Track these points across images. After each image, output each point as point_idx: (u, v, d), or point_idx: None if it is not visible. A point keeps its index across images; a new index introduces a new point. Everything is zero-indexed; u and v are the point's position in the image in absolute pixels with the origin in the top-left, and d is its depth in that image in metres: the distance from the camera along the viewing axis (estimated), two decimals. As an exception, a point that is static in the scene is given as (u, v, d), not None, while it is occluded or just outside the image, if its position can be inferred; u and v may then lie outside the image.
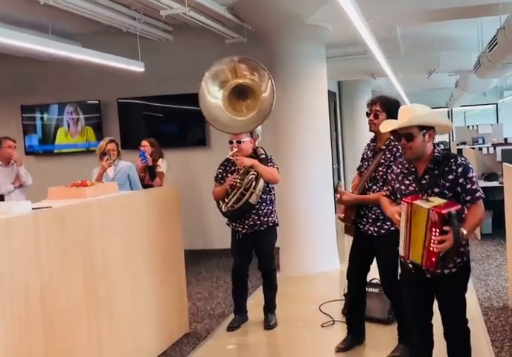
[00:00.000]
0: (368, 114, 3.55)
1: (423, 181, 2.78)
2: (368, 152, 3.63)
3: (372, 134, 3.67)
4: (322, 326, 4.31)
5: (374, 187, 3.52)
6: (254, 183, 4.12)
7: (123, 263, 3.51)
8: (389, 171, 3.19)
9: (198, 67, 6.83)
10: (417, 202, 2.64)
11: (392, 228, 3.45)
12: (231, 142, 4.21)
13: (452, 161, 2.73)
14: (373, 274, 3.87)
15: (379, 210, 3.47)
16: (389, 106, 3.46)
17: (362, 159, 3.71)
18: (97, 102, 7.48)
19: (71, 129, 7.65)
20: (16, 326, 2.57)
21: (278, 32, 5.85)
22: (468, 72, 8.70)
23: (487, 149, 8.22)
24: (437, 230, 2.54)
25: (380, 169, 3.49)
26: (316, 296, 5.07)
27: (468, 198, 2.69)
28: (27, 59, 6.77)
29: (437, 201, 2.62)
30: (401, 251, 2.76)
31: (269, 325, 4.36)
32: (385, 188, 3.12)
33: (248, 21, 6.05)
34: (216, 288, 5.66)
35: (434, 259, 2.57)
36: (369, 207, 3.54)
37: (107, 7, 5.50)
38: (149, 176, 5.85)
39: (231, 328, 4.37)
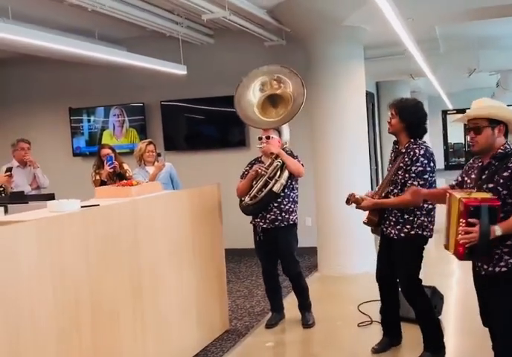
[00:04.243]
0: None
1: (483, 176, 2.74)
2: (392, 155, 3.68)
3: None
4: (359, 325, 4.35)
5: (395, 191, 3.53)
6: (278, 172, 4.22)
7: (167, 260, 3.64)
8: (427, 178, 3.34)
9: (238, 69, 6.99)
10: (454, 193, 2.66)
11: (412, 232, 3.47)
12: (260, 138, 4.38)
13: (511, 158, 2.66)
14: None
15: (399, 214, 3.49)
16: (401, 109, 3.48)
17: (390, 161, 3.76)
18: (142, 104, 7.69)
19: (116, 131, 7.89)
20: (66, 319, 2.70)
21: (316, 34, 5.92)
22: (509, 71, 8.58)
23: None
24: (464, 220, 2.54)
25: (400, 172, 3.50)
26: (355, 296, 5.11)
27: None
28: (75, 63, 7.02)
29: (480, 195, 2.59)
30: (444, 240, 2.79)
31: (307, 323, 4.42)
32: (454, 179, 3.07)
33: (287, 24, 6.14)
34: (255, 286, 5.76)
35: (461, 250, 2.57)
36: (390, 211, 3.54)
37: (151, 12, 5.69)
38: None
39: (269, 325, 4.46)
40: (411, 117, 3.47)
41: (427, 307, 3.65)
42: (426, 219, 3.50)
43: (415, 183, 3.40)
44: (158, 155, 5.53)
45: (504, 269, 2.66)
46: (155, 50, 6.37)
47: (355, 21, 5.77)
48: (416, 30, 5.63)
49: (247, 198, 4.30)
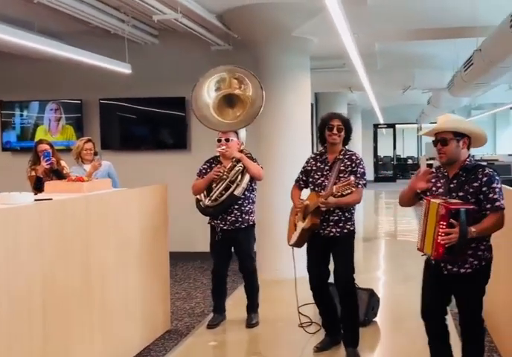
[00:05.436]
0: (330, 129, 3.83)
1: (452, 185, 3.01)
2: (319, 164, 3.90)
3: None
4: (300, 326, 4.45)
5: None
6: (240, 176, 4.30)
7: (116, 258, 3.62)
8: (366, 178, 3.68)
9: (182, 71, 7.07)
10: (433, 200, 2.91)
11: (351, 228, 3.85)
12: (219, 140, 4.40)
13: (480, 170, 2.94)
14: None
15: (340, 213, 3.80)
16: (346, 122, 3.91)
17: (307, 171, 3.96)
18: (79, 101, 7.51)
19: (51, 127, 7.65)
20: (18, 311, 2.65)
21: (266, 42, 6.02)
22: (441, 90, 9.04)
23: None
24: (445, 223, 2.80)
25: (341, 175, 3.78)
26: (294, 299, 5.19)
27: (488, 206, 2.89)
28: (9, 54, 6.76)
29: (455, 201, 2.88)
30: (418, 244, 3.01)
31: (251, 323, 4.50)
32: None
33: (237, 30, 6.20)
34: (194, 289, 5.77)
35: (441, 251, 2.83)
36: (330, 211, 3.79)
37: (97, 7, 5.55)
38: (56, 179, 5.14)
39: (211, 325, 4.49)
40: (350, 130, 3.92)
41: (357, 302, 3.90)
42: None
43: (361, 182, 3.77)
44: (95, 153, 5.44)
45: (469, 270, 2.97)
46: (97, 47, 6.20)
47: (304, 32, 5.92)
48: (358, 45, 5.84)
49: (207, 201, 4.32)
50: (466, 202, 2.89)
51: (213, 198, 4.31)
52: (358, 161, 3.80)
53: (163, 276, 4.38)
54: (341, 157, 3.84)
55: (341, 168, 3.79)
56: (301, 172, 4.03)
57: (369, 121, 19.60)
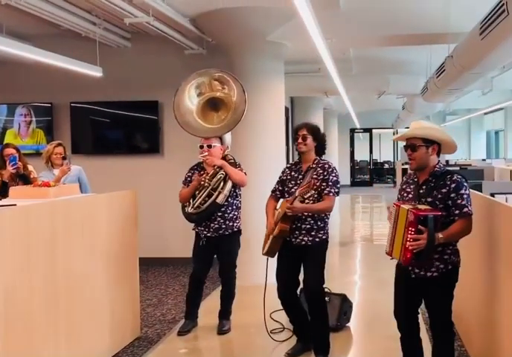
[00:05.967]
0: (296, 138, 3.87)
1: (421, 191, 3.07)
2: (293, 173, 3.92)
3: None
4: (271, 332, 4.41)
5: (307, 201, 3.75)
6: (222, 183, 4.26)
7: (83, 264, 3.54)
8: (339, 187, 3.73)
9: (155, 75, 7.01)
10: (403, 205, 2.94)
11: (324, 237, 3.83)
12: (201, 147, 4.35)
13: (448, 176, 3.01)
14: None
15: (312, 221, 3.78)
16: (315, 131, 3.88)
17: (282, 181, 3.96)
18: (50, 105, 7.38)
19: (21, 131, 7.50)
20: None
21: (239, 46, 6.00)
22: (415, 95, 9.11)
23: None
24: (413, 229, 2.84)
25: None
26: (267, 305, 5.16)
27: (457, 211, 2.94)
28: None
29: (422, 207, 2.92)
30: (387, 248, 3.06)
31: (222, 330, 4.45)
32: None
33: (210, 34, 6.17)
34: (165, 295, 5.70)
35: (408, 256, 2.87)
36: (302, 219, 3.77)
37: (67, 10, 5.47)
38: (23, 184, 5.06)
39: (182, 332, 4.43)
40: (321, 139, 3.90)
41: (326, 311, 3.90)
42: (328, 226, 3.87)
43: (332, 190, 3.76)
44: (64, 158, 5.32)
45: (435, 274, 3.02)
46: (68, 50, 6.09)
47: (278, 37, 5.92)
48: (332, 50, 5.85)
49: (190, 208, 4.28)
50: (434, 208, 2.92)
51: (195, 205, 4.26)
52: (330, 169, 3.79)
53: (132, 282, 4.31)
54: (314, 166, 3.84)
55: (314, 176, 3.79)
56: (277, 182, 4.02)
57: (345, 126, 19.73)
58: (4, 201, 3.14)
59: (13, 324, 2.82)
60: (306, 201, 3.73)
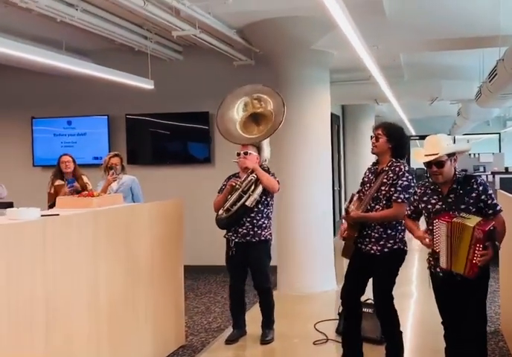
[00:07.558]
0: (371, 138, 3.73)
1: (449, 200, 3.14)
2: (370, 175, 3.76)
3: (373, 158, 3.86)
4: (314, 343, 4.37)
5: (377, 207, 3.62)
6: (252, 186, 4.29)
7: (125, 273, 3.62)
8: (411, 192, 3.46)
9: (206, 86, 7.14)
10: (458, 220, 2.97)
11: (395, 247, 3.61)
12: (238, 154, 4.42)
13: (473, 181, 3.12)
14: (367, 294, 3.93)
15: (382, 229, 3.59)
16: (390, 131, 3.65)
17: (363, 183, 3.82)
18: (106, 117, 7.64)
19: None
20: (20, 329, 2.66)
21: (285, 56, 6.03)
22: (470, 101, 8.86)
23: (486, 176, 8.37)
24: (481, 245, 2.93)
25: (383, 188, 3.60)
26: (312, 314, 5.15)
27: (490, 211, 3.08)
28: (38, 73, 6.94)
29: (472, 217, 3.00)
30: (443, 264, 3.06)
31: (265, 340, 4.44)
32: (407, 209, 3.40)
33: (256, 45, 6.23)
34: (213, 303, 5.75)
35: (476, 270, 2.97)
36: (372, 227, 3.61)
37: (120, 25, 5.70)
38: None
39: (230, 341, 4.45)
40: (398, 139, 3.67)
41: (397, 324, 3.71)
42: (404, 234, 3.66)
43: (401, 196, 3.52)
44: (110, 168, 5.48)
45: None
46: (123, 64, 6.35)
47: (323, 45, 5.91)
48: (381, 57, 5.79)
49: (221, 212, 4.35)
50: (484, 219, 3.00)
51: (226, 208, 4.32)
52: (401, 173, 3.54)
53: (177, 290, 4.37)
54: (386, 168, 3.63)
55: (384, 180, 3.59)
56: (360, 184, 3.88)
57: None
58: (48, 211, 3.29)
59: (55, 332, 2.90)
60: (377, 207, 3.59)
